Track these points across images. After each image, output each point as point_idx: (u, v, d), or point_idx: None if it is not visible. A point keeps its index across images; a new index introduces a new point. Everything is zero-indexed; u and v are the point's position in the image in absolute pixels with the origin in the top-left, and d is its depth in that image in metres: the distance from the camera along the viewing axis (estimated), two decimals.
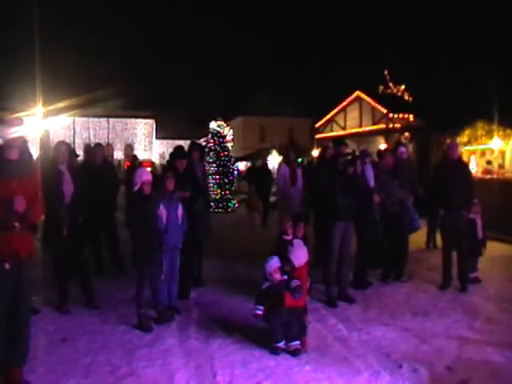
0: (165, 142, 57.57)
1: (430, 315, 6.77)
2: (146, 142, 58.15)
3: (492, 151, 14.50)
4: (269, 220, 15.81)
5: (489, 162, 14.67)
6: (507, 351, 5.53)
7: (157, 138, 58.89)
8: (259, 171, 19.57)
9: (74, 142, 54.75)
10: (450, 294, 7.86)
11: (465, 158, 11.11)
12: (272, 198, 16.62)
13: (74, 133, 56.44)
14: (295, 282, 5.64)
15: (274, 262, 5.74)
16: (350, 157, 7.86)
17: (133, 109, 54.67)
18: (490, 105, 14.18)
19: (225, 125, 20.29)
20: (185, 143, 24.66)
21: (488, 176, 14.07)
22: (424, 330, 6.18)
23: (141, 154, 49.16)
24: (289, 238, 6.75)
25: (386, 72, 29.48)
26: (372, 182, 8.22)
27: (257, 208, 16.56)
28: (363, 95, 27.84)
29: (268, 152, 32.70)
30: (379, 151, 9.28)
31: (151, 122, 58.05)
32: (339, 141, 8.83)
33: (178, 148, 7.96)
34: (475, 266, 8.58)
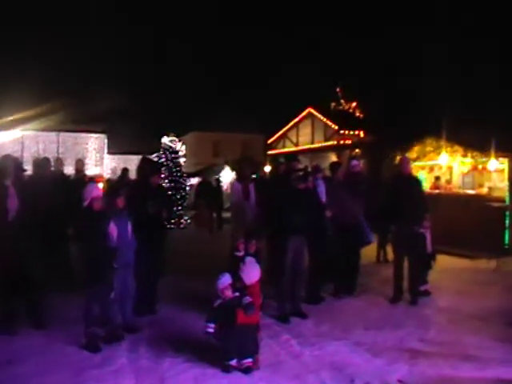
0: (116, 157, 56.80)
1: (382, 329, 6.82)
2: (97, 157, 57.32)
3: (440, 167, 14.83)
4: (222, 235, 15.72)
5: (437, 178, 15.03)
6: (458, 362, 5.61)
7: (108, 152, 58.09)
8: (210, 186, 19.64)
9: (22, 157, 53.51)
10: (401, 307, 7.97)
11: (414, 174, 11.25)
12: (226, 214, 16.59)
13: (23, 147, 55.24)
14: (247, 299, 5.56)
15: (226, 279, 5.67)
16: (301, 172, 7.87)
17: (84, 123, 53.80)
18: (438, 122, 14.57)
19: (177, 140, 20.17)
20: (137, 158, 24.31)
21: (436, 191, 14.51)
22: (376, 344, 6.21)
23: (92, 169, 48.37)
24: (240, 254, 6.67)
25: (337, 89, 29.88)
26: (324, 197, 8.28)
27: (206, 223, 16.55)
28: (315, 112, 28.14)
29: (221, 167, 32.62)
30: (332, 163, 9.38)
31: (102, 136, 57.18)
32: (291, 156, 8.95)
33: (150, 161, 7.89)
34: (425, 279, 8.72)
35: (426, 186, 14.63)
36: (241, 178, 8.95)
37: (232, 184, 9.13)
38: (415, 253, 8.27)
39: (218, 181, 23.11)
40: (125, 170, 13.47)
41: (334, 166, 9.09)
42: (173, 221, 18.45)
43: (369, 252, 10.64)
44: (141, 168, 7.96)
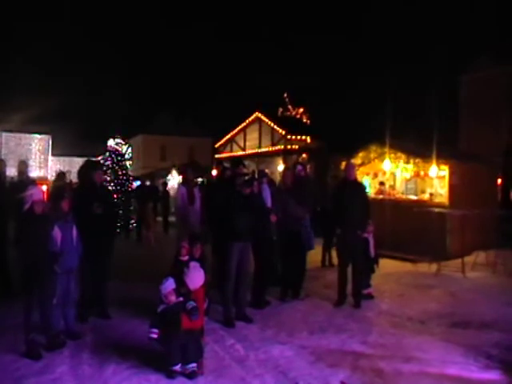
0: (61, 159, 55.58)
1: (326, 332, 6.91)
2: (41, 159, 55.96)
3: (384, 172, 15.10)
4: (167, 239, 15.71)
5: (381, 183, 15.26)
6: (399, 364, 5.73)
7: (53, 154, 56.76)
8: (152, 190, 19.52)
9: None
10: (345, 310, 8.08)
11: (359, 179, 11.42)
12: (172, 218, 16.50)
13: None
14: (191, 304, 5.54)
15: (169, 284, 5.61)
16: (247, 177, 7.93)
17: (27, 124, 52.39)
18: (382, 128, 14.87)
19: (123, 142, 19.91)
20: (82, 161, 23.84)
21: (381, 196, 14.73)
22: (320, 347, 6.29)
23: (36, 171, 47.24)
24: (184, 259, 6.67)
25: (285, 95, 30.15)
26: (269, 202, 8.35)
27: (150, 226, 16.44)
28: (263, 116, 28.25)
29: (168, 171, 32.38)
30: (284, 169, 9.49)
31: (47, 137, 55.80)
32: (237, 161, 8.93)
33: (90, 160, 7.79)
34: (368, 283, 8.89)
35: (371, 191, 14.86)
36: (186, 181, 9.01)
37: (178, 187, 9.08)
38: (359, 257, 8.44)
39: (165, 184, 23.01)
40: (61, 174, 13.08)
41: (284, 172, 9.14)
42: (118, 224, 18.27)
43: (314, 256, 10.69)
44: (84, 169, 7.85)
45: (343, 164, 13.30)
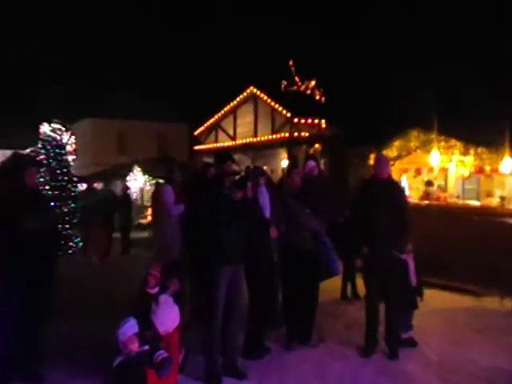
0: None
1: None
2: None
3: (431, 168, 14.86)
4: (127, 263, 15.85)
5: (428, 183, 15.01)
6: None
7: None
8: (105, 196, 19.39)
9: None
10: (375, 361, 8.01)
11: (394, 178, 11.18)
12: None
13: None
14: (161, 354, 5.47)
15: (130, 327, 5.51)
16: (238, 177, 7.93)
17: None
18: (427, 109, 14.59)
19: (63, 129, 19.75)
20: (3, 154, 23.87)
21: (425, 202, 14.30)
22: None
23: None
24: (153, 291, 6.61)
25: (290, 62, 29.60)
26: (268, 211, 8.36)
27: (99, 244, 16.43)
28: (259, 93, 27.96)
29: (128, 169, 31.99)
30: (289, 165, 9.42)
31: None
32: (224, 155, 8.84)
33: (18, 154, 7.76)
34: (409, 324, 8.76)
35: (412, 194, 14.67)
36: (171, 183, 9.03)
37: (162, 189, 9.01)
38: (395, 286, 8.33)
39: (126, 189, 22.93)
40: None
41: (289, 168, 9.15)
42: (59, 244, 18.23)
43: (331, 285, 10.39)
44: (9, 167, 7.78)
45: (371, 157, 13.17)
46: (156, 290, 6.62)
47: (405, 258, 8.63)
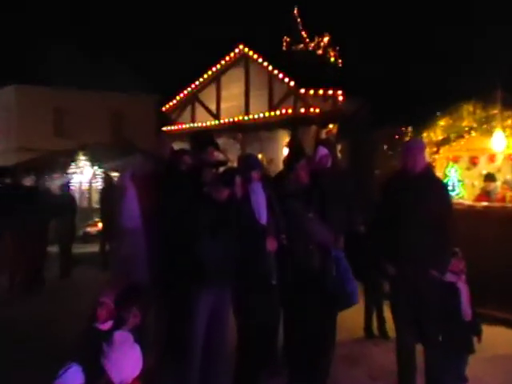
0: None
1: None
2: None
3: (492, 156, 14.11)
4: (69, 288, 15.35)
5: (489, 177, 13.86)
6: None
7: None
8: (36, 195, 18.20)
9: None
10: None
11: (438, 170, 10.31)
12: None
13: None
14: None
15: (72, 378, 5.50)
16: (223, 168, 7.63)
17: None
18: (486, 76, 13.98)
19: None
20: None
21: (484, 204, 13.09)
22: None
23: None
24: (104, 327, 6.28)
25: (294, 12, 28.44)
26: (264, 215, 7.62)
27: (15, 263, 15.27)
28: (252, 53, 26.30)
29: (70, 158, 30.64)
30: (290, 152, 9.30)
31: None
32: (204, 138, 8.33)
33: None
34: (461, 373, 7.94)
35: (463, 193, 13.83)
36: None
37: (118, 186, 8.27)
38: (434, 321, 7.54)
39: (66, 185, 21.52)
40: None
41: (291, 157, 8.48)
42: None
43: (351, 317, 9.75)
44: None
45: (403, 142, 12.54)
46: (109, 324, 6.35)
47: (453, 281, 7.75)
